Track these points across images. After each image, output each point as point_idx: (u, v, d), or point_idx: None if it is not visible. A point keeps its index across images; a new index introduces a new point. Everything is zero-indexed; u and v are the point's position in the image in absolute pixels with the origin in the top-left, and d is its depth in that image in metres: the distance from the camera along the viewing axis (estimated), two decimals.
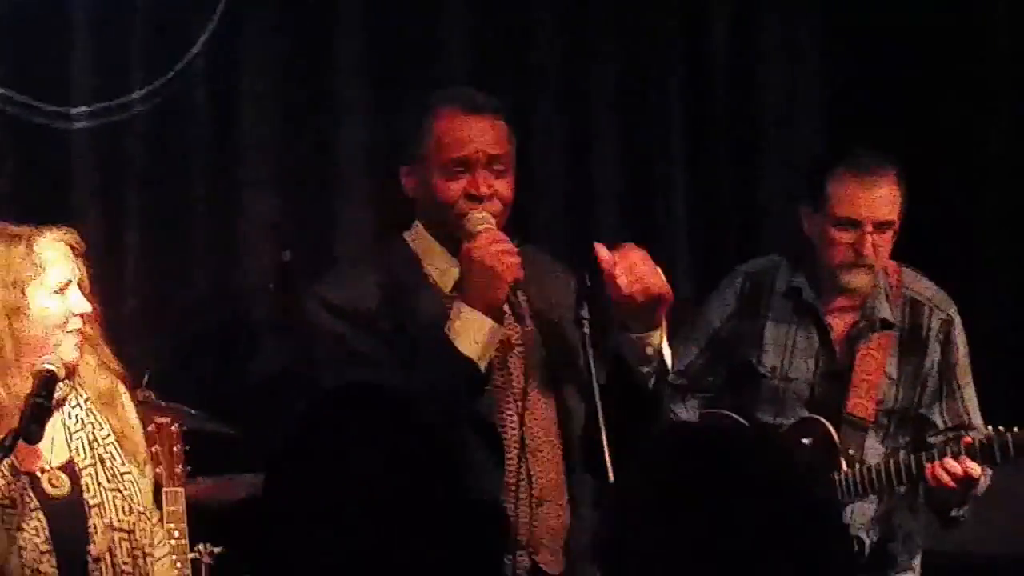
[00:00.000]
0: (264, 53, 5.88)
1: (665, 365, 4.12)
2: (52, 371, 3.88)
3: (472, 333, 3.99)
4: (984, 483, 4.75)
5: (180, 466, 4.54)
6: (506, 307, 4.06)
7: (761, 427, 4.81)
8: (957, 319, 4.99)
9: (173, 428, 4.57)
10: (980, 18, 6.48)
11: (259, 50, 5.88)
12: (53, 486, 3.96)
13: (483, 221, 4.06)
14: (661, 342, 4.09)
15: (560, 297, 4.25)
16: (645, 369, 4.11)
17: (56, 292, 3.94)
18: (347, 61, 5.96)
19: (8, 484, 3.88)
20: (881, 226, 4.77)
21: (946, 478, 4.68)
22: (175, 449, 4.54)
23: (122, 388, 4.15)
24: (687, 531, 2.33)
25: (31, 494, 3.92)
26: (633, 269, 3.98)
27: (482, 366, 4.00)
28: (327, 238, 5.93)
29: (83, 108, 5.67)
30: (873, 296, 4.91)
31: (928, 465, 4.71)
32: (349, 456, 2.57)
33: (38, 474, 3.96)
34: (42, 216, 5.02)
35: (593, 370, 3.95)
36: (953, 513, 4.82)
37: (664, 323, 4.08)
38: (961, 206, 6.36)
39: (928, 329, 4.96)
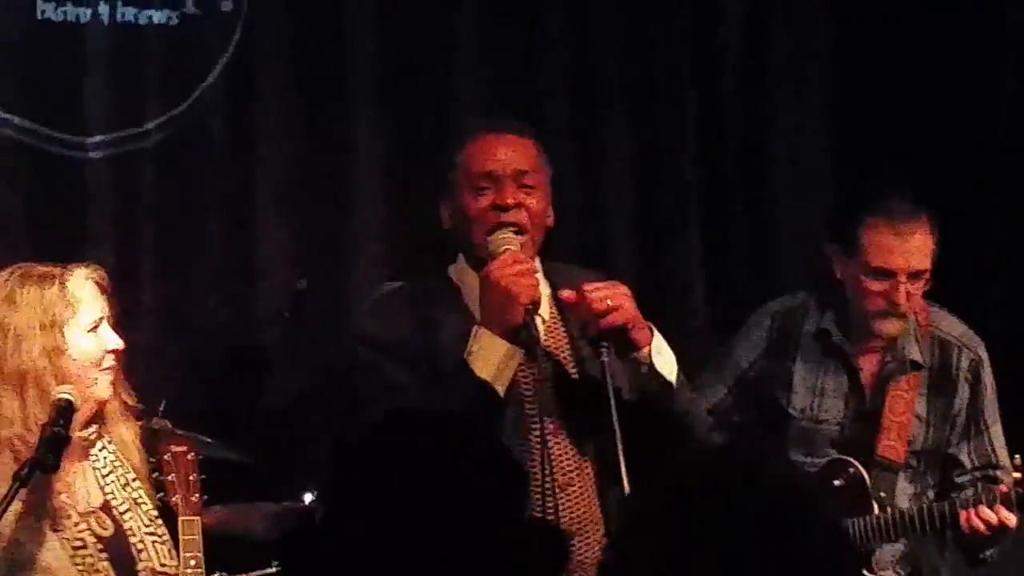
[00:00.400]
0: (276, 84, 5.86)
1: (664, 381, 4.07)
2: (69, 400, 3.86)
3: (488, 356, 3.96)
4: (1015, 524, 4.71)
5: (196, 495, 4.43)
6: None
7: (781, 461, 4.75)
8: (986, 358, 4.94)
9: (189, 456, 4.46)
10: (989, 44, 6.43)
11: (271, 81, 5.86)
12: (101, 527, 3.99)
13: (505, 242, 4.04)
14: (651, 361, 4.04)
15: None
16: (648, 390, 4.07)
17: (90, 330, 3.95)
18: (359, 91, 5.93)
19: (75, 525, 3.92)
20: (914, 275, 4.73)
21: (981, 527, 4.63)
22: (191, 478, 4.42)
23: (136, 429, 4.18)
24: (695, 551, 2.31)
25: (95, 535, 3.96)
26: (602, 297, 3.98)
27: (500, 389, 3.97)
28: (342, 266, 5.89)
29: (99, 138, 5.64)
30: (902, 337, 4.87)
31: (963, 512, 4.67)
32: (408, 479, 2.57)
33: (88, 516, 3.99)
34: (56, 245, 5.14)
35: (611, 396, 3.89)
36: (982, 555, 4.79)
37: (649, 344, 4.04)
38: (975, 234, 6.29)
39: (957, 369, 4.92)
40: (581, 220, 6.16)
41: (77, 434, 3.95)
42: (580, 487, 4.09)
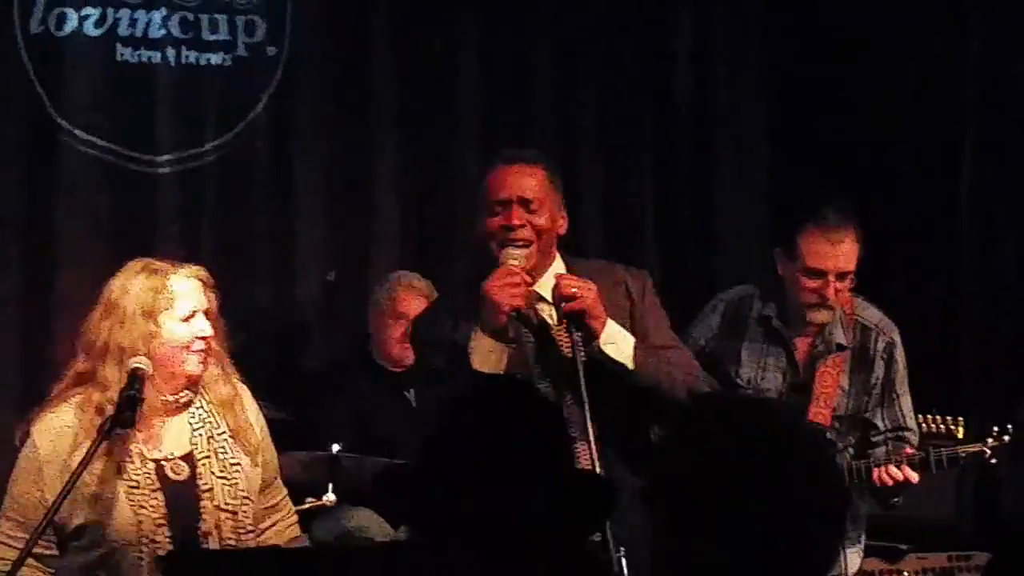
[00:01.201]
0: (313, 112, 5.99)
1: (618, 363, 4.11)
2: (142, 368, 3.94)
3: (482, 353, 4.03)
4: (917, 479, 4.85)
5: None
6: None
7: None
8: (898, 340, 4.97)
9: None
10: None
11: (309, 109, 5.99)
12: (175, 473, 4.02)
13: (511, 257, 4.09)
14: (604, 346, 4.10)
15: (616, 295, 4.25)
16: (607, 370, 4.11)
17: (183, 320, 4.01)
18: (380, 119, 6.06)
19: (136, 469, 3.95)
20: (842, 275, 4.76)
21: (888, 481, 4.76)
22: None
23: (243, 393, 4.22)
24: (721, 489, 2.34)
25: (154, 477, 3.97)
26: (569, 284, 4.08)
27: None
28: (364, 262, 6.00)
29: (167, 156, 5.80)
30: (831, 323, 4.88)
31: (875, 470, 4.77)
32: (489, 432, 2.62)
33: (163, 462, 4.02)
34: (133, 244, 5.11)
35: (582, 380, 3.98)
36: (892, 501, 4.88)
37: (600, 335, 4.08)
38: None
39: (874, 350, 4.93)
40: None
41: (170, 397, 4.01)
42: (579, 453, 3.99)
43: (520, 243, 4.11)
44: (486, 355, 4.03)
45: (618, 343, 4.13)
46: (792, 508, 2.31)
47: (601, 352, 4.09)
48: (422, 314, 4.46)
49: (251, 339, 5.65)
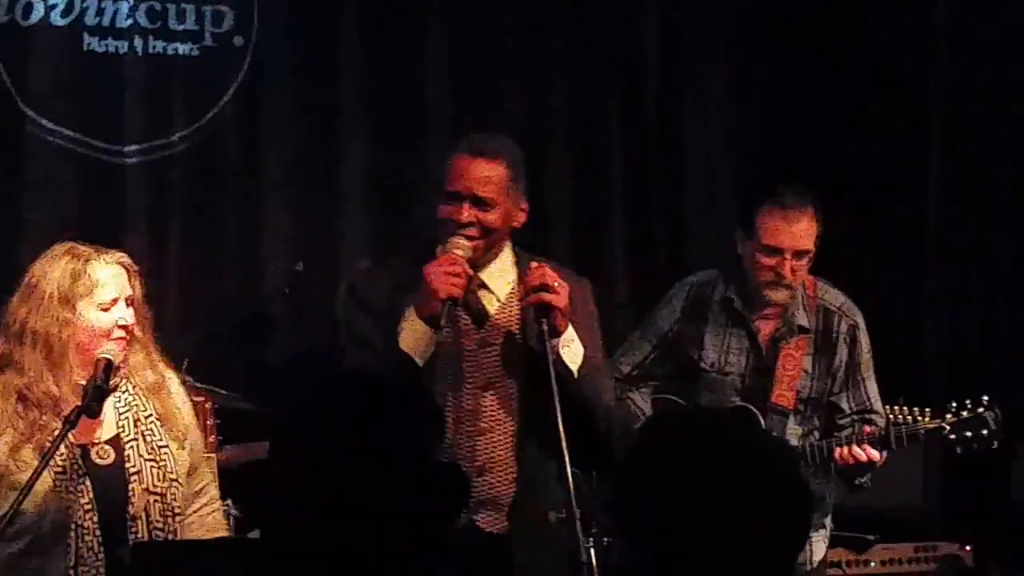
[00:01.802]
0: (281, 102, 5.96)
1: (567, 369, 4.12)
2: (109, 359, 3.94)
3: (411, 334, 4.05)
4: (882, 459, 4.86)
5: (212, 436, 4.60)
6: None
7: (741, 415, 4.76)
8: (862, 323, 5.01)
9: (207, 405, 4.64)
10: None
11: (278, 99, 5.96)
12: (100, 457, 3.99)
13: (455, 246, 4.11)
14: (562, 348, 4.10)
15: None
16: (557, 371, 4.08)
17: (102, 308, 3.96)
18: (347, 109, 6.04)
19: (61, 455, 3.90)
20: (799, 253, 4.80)
21: (850, 460, 4.80)
22: (208, 423, 4.60)
23: (171, 378, 4.18)
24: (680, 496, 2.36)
25: (80, 463, 3.94)
26: (540, 275, 4.08)
27: (418, 360, 4.03)
28: (333, 252, 6.00)
29: (134, 146, 5.77)
30: (792, 306, 4.93)
31: (837, 449, 4.81)
32: (339, 427, 2.56)
33: (89, 447, 3.99)
34: (100, 235, 4.95)
35: (553, 376, 3.99)
36: (857, 482, 4.90)
37: (562, 334, 4.08)
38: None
39: (837, 333, 4.98)
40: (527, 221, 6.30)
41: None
42: (499, 434, 4.15)
43: (467, 236, 4.14)
44: (416, 337, 4.05)
45: (572, 348, 4.15)
46: (754, 520, 2.33)
47: (556, 352, 4.08)
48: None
49: (219, 329, 5.80)
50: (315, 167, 6.03)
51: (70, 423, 3.82)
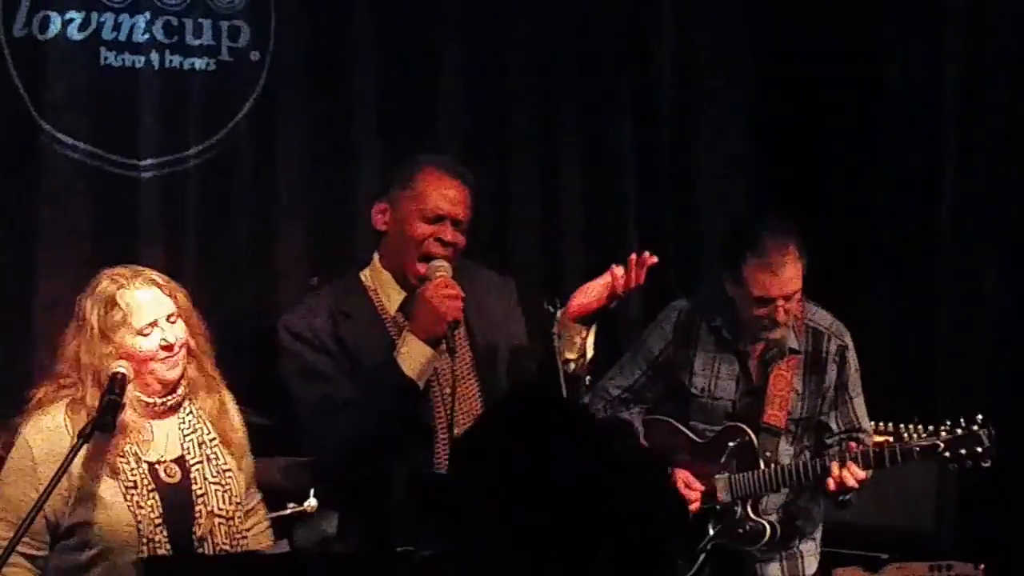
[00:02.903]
0: (296, 117, 5.94)
1: (586, 358, 4.23)
2: (123, 373, 3.99)
3: (415, 358, 4.13)
4: (866, 478, 4.89)
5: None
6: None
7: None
8: (850, 343, 5.06)
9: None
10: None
11: (293, 115, 5.94)
12: (168, 475, 4.06)
13: (440, 269, 4.21)
14: (588, 338, 4.20)
15: (495, 307, 4.40)
16: (570, 355, 4.19)
17: (141, 333, 4.03)
18: (362, 125, 6.02)
19: (132, 470, 4.00)
20: (789, 297, 4.86)
21: (832, 487, 4.84)
22: None
23: (228, 398, 4.26)
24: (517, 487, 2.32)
25: (149, 478, 4.01)
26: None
27: (420, 384, 4.11)
28: (346, 266, 5.55)
29: (150, 161, 5.73)
30: (784, 334, 4.99)
31: (831, 475, 4.84)
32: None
33: (156, 464, 4.06)
34: (115, 249, 5.11)
35: (561, 373, 4.07)
36: (841, 499, 4.93)
37: (594, 327, 4.19)
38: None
39: (827, 353, 5.03)
40: (542, 232, 6.30)
41: (155, 400, 4.06)
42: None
43: (443, 258, 4.26)
44: (422, 361, 4.13)
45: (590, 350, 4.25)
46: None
47: (582, 352, 4.18)
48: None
49: (232, 343, 5.61)
50: (330, 181, 6.00)
51: (84, 437, 3.89)
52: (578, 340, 4.22)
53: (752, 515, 4.96)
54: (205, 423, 4.15)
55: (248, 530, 4.26)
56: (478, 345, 4.34)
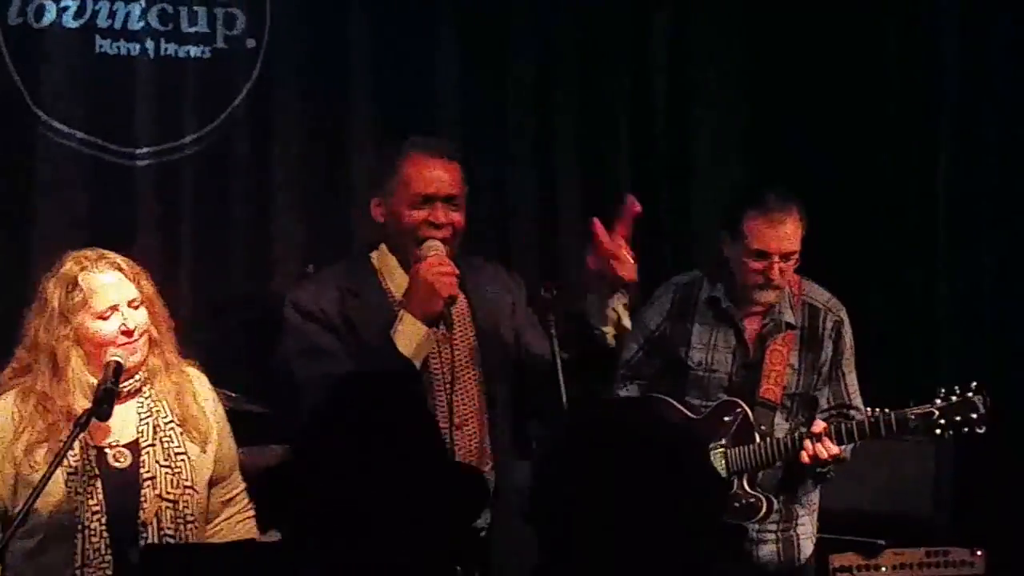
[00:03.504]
0: (292, 105, 5.94)
1: (624, 327, 4.19)
2: (119, 362, 3.96)
3: (410, 337, 4.07)
4: (844, 452, 4.88)
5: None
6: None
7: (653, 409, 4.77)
8: (846, 320, 5.06)
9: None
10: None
11: (288, 103, 5.94)
12: (116, 460, 4.01)
13: (433, 248, 4.15)
14: (620, 307, 4.16)
15: (497, 301, 4.34)
16: (605, 328, 4.18)
17: (101, 317, 3.98)
18: (357, 112, 6.02)
19: (75, 455, 3.93)
20: (786, 256, 4.87)
21: (807, 459, 4.83)
22: None
23: (195, 379, 4.20)
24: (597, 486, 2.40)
25: (93, 464, 3.96)
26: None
27: (417, 363, 4.07)
28: (342, 253, 5.62)
29: (145, 149, 5.74)
30: (779, 303, 4.99)
31: (802, 452, 4.84)
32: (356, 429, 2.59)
33: (106, 449, 4.00)
34: (111, 237, 4.98)
35: (557, 357, 4.02)
36: (819, 471, 4.93)
37: (627, 296, 4.16)
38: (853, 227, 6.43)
39: (823, 329, 5.03)
40: (538, 217, 6.28)
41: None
42: (474, 427, 4.23)
43: (440, 240, 4.18)
44: (417, 340, 4.07)
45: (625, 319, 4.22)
46: (664, 505, 2.38)
47: (615, 322, 4.15)
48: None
49: (228, 332, 5.78)
50: (326, 169, 5.99)
51: (80, 425, 3.85)
52: (609, 312, 4.19)
53: (749, 489, 4.94)
54: (164, 407, 4.09)
55: (224, 520, 4.23)
56: (480, 332, 4.31)
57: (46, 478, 3.78)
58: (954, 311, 6.43)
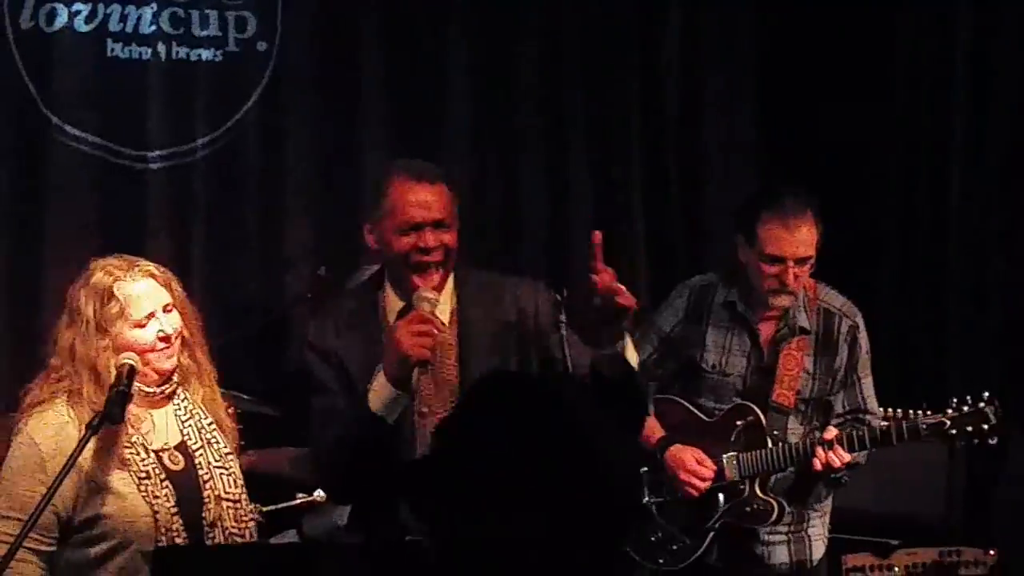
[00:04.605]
0: (303, 108, 5.96)
1: (631, 366, 4.00)
2: (131, 365, 3.89)
3: (380, 397, 3.94)
4: (860, 459, 4.86)
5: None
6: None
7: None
8: (862, 324, 5.01)
9: (230, 410, 4.39)
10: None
11: (300, 105, 5.96)
12: (173, 463, 3.98)
13: (423, 300, 4.02)
14: (626, 349, 3.99)
15: (503, 311, 4.20)
16: (617, 374, 4.00)
17: (138, 326, 3.93)
18: (370, 115, 6.03)
19: (142, 460, 3.92)
20: (801, 261, 4.81)
21: (818, 467, 4.80)
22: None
23: (215, 386, 4.16)
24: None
25: (159, 467, 3.94)
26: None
27: (389, 420, 3.95)
28: (354, 257, 5.75)
29: (157, 152, 5.77)
30: (794, 307, 4.94)
31: (814, 459, 4.80)
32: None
33: (160, 452, 3.97)
34: (123, 240, 5.06)
35: (568, 360, 3.95)
36: (833, 477, 4.88)
37: (628, 334, 3.99)
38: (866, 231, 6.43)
39: (838, 333, 4.98)
40: (549, 222, 6.30)
41: (155, 389, 3.96)
42: None
43: (432, 265, 4.05)
44: (385, 401, 3.96)
45: (630, 347, 4.05)
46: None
47: (622, 352, 3.97)
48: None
49: (240, 334, 5.74)
50: (337, 172, 6.00)
51: (93, 429, 3.78)
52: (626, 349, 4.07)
53: (760, 494, 4.92)
54: (200, 408, 4.08)
55: None
56: (463, 367, 4.18)
57: (60, 479, 3.74)
58: (962, 310, 6.41)
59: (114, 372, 3.90)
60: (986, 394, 4.85)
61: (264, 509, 4.95)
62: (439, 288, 4.10)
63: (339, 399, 4.05)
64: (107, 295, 3.93)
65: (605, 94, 6.40)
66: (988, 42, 6.36)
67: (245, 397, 4.97)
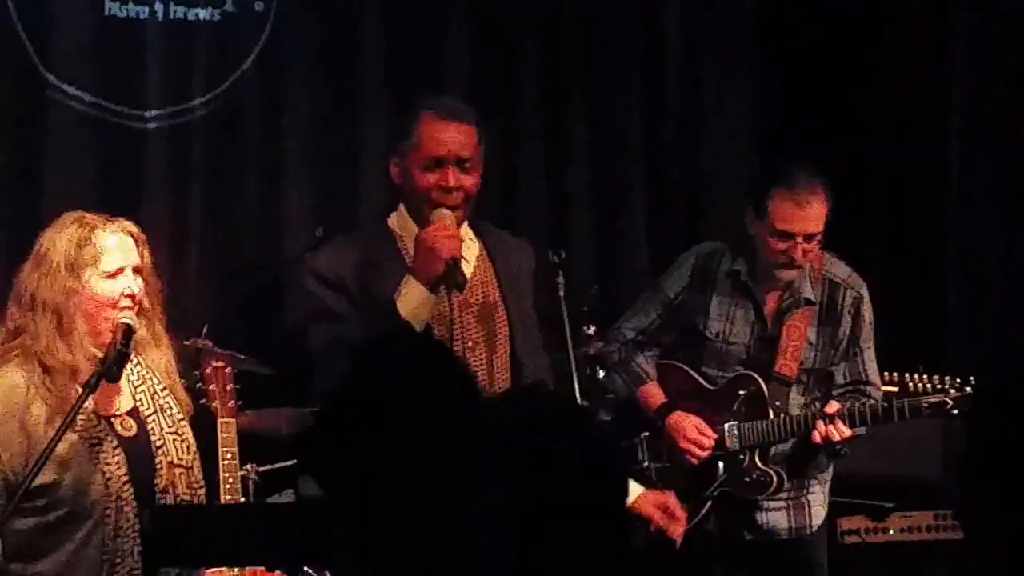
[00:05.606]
0: (302, 68, 5.94)
1: None
2: (129, 324, 3.90)
3: (411, 301, 4.02)
4: (855, 433, 4.85)
5: (232, 401, 4.54)
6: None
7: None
8: (866, 296, 5.01)
9: (227, 370, 4.59)
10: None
11: (298, 65, 5.94)
12: (124, 429, 3.96)
13: (440, 214, 4.09)
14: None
15: (518, 262, 4.29)
16: None
17: (108, 276, 3.91)
18: (367, 75, 6.02)
19: (94, 426, 3.88)
20: (810, 237, 4.81)
21: (817, 439, 4.81)
22: (228, 387, 4.56)
23: (171, 354, 4.12)
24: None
25: (111, 434, 3.91)
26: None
27: (417, 327, 4.00)
28: (352, 217, 5.91)
29: (155, 112, 5.74)
30: (799, 278, 4.95)
31: (815, 429, 4.82)
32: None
33: (112, 419, 3.95)
34: (120, 200, 5.03)
35: (566, 321, 4.04)
36: (836, 449, 4.87)
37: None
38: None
39: (842, 305, 4.97)
40: (548, 187, 6.33)
41: (101, 352, 3.88)
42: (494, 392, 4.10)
43: (451, 206, 4.10)
44: (417, 304, 4.02)
45: None
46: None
47: None
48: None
49: (239, 294, 5.80)
50: (336, 132, 5.98)
51: (90, 387, 3.78)
52: None
53: (760, 464, 4.92)
54: (154, 375, 4.04)
55: None
56: (505, 296, 4.26)
57: (51, 446, 3.72)
58: (961, 277, 6.45)
59: (78, 320, 3.87)
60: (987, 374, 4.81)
61: (261, 469, 5.05)
62: (460, 224, 4.14)
63: (350, 327, 4.03)
64: (84, 240, 3.90)
65: (604, 55, 6.43)
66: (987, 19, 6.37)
67: (242, 357, 4.93)
